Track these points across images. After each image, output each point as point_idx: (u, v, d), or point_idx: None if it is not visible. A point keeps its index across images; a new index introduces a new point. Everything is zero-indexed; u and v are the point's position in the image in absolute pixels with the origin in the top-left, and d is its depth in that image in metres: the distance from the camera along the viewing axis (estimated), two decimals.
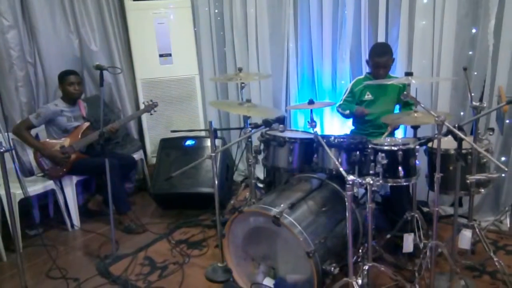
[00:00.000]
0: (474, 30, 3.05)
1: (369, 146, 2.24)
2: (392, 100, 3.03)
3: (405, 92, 2.09)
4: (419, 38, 3.22)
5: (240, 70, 3.14)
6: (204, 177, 3.60)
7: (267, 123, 2.42)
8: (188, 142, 3.79)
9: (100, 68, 2.71)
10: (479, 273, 2.51)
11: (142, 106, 3.77)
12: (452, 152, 2.40)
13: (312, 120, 2.24)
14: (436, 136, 2.09)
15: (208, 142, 3.71)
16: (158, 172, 3.73)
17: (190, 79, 4.16)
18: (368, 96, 3.03)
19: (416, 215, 2.54)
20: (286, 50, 3.86)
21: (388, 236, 2.64)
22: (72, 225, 3.51)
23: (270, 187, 2.95)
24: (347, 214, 1.94)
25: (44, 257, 2.99)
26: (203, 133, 3.95)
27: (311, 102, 2.27)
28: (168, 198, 3.70)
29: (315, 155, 2.44)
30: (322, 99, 3.79)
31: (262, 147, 2.65)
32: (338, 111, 3.12)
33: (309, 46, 3.80)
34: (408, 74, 2.10)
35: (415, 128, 2.50)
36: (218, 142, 3.74)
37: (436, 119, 2.00)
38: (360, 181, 1.93)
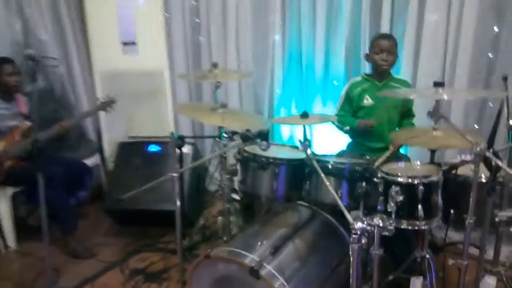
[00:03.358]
0: (496, 29, 2.57)
1: (379, 176, 1.72)
2: (395, 104, 2.53)
3: (431, 110, 1.57)
4: (429, 36, 2.72)
5: (215, 66, 2.57)
6: (169, 190, 3.00)
7: (245, 138, 1.87)
8: (152, 148, 3.20)
9: (31, 58, 2.09)
10: None
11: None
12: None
13: (305, 139, 1.70)
14: (468, 163, 1.59)
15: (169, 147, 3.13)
16: (114, 184, 3.14)
17: (158, 73, 3.54)
18: (367, 101, 2.52)
19: (428, 256, 2.04)
20: (271, 43, 3.29)
21: (391, 277, 2.14)
22: (6, 246, 2.89)
23: (248, 210, 2.39)
24: (351, 271, 1.43)
25: None
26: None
27: (304, 115, 1.73)
28: (126, 215, 3.11)
29: (307, 182, 1.90)
30: (311, 103, 3.26)
31: (238, 167, 2.09)
32: (334, 124, 2.60)
33: (298, 39, 3.24)
34: (438, 84, 1.57)
35: (432, 151, 1.99)
36: (188, 149, 3.16)
37: (475, 147, 1.50)
38: (367, 228, 1.42)
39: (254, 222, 2.05)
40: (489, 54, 2.60)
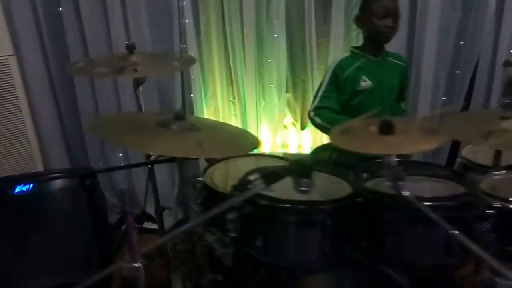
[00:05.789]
0: None
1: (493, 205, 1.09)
2: (393, 85, 1.96)
3: None
4: None
5: (131, 48, 1.56)
6: (60, 255, 1.90)
7: (272, 177, 1.02)
8: (20, 188, 1.97)
9: None
10: None
11: None
12: None
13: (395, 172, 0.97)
14: None
15: (58, 184, 1.96)
16: None
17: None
18: (365, 83, 1.86)
19: None
20: (177, 12, 2.32)
21: None
22: None
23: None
24: None
25: None
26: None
27: (387, 126, 0.97)
28: None
29: (390, 234, 1.13)
30: (244, 91, 2.46)
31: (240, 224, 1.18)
32: (312, 118, 1.89)
33: (218, 4, 2.35)
34: None
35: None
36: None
37: None
38: None
39: None
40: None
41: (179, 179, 2.48)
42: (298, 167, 1.03)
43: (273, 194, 1.11)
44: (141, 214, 2.58)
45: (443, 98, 2.38)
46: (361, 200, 1.17)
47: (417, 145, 1.04)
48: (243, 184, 1.10)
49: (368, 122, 1.10)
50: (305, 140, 2.54)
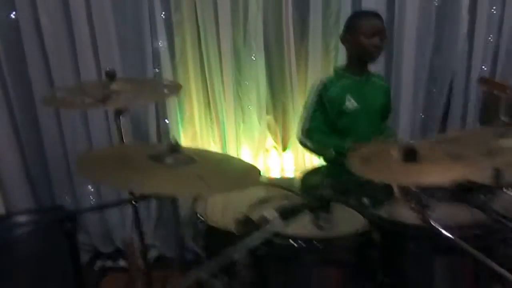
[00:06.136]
0: None
1: None
2: (381, 108, 1.93)
3: None
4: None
5: (111, 76, 1.43)
6: None
7: (288, 212, 0.94)
8: None
9: None
10: None
11: None
12: None
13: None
14: None
15: (32, 226, 1.76)
16: None
17: None
18: (350, 103, 1.82)
19: None
20: (149, 34, 2.21)
21: None
22: None
23: None
24: None
25: None
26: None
27: (411, 153, 0.91)
28: None
29: (413, 266, 1.06)
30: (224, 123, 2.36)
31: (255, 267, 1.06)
32: (302, 142, 1.84)
33: (194, 25, 2.25)
34: None
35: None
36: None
37: None
38: None
39: None
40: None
41: (159, 216, 2.35)
42: (317, 201, 0.95)
43: (289, 232, 1.01)
44: (115, 252, 2.41)
45: (421, 115, 2.42)
46: (380, 232, 1.10)
47: (446, 173, 0.97)
48: (252, 220, 1.00)
49: (389, 148, 1.03)
50: (287, 163, 2.47)
